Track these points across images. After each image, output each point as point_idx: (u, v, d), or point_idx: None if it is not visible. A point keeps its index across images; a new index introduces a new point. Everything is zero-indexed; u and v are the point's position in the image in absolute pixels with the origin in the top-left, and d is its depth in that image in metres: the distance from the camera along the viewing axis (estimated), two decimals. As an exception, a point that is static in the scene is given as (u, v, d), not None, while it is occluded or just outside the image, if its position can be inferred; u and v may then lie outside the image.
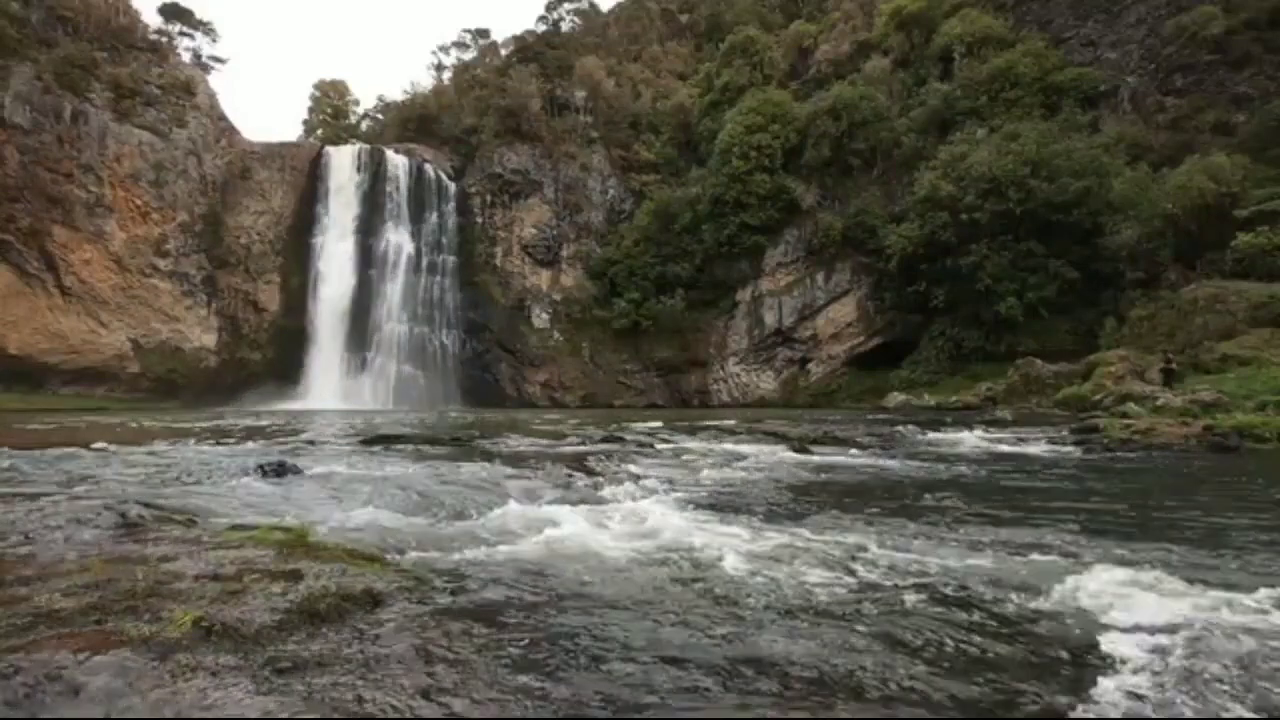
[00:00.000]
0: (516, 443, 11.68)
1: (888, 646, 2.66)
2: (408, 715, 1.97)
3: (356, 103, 78.38)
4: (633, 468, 8.52)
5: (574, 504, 6.05)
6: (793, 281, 45.37)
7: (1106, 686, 2.32)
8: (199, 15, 55.75)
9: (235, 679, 2.08)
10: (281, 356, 47.28)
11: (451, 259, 50.88)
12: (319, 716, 1.92)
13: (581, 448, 10.58)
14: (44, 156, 40.45)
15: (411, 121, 60.01)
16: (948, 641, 2.75)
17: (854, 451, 11.62)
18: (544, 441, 11.89)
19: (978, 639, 2.79)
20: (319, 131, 72.24)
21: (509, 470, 7.47)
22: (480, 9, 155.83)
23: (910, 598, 3.30)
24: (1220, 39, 34.33)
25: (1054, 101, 38.88)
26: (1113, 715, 2.17)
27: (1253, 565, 3.92)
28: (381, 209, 49.57)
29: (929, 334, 38.93)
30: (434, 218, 50.99)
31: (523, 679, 2.29)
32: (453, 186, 52.23)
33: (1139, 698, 2.23)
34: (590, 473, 7.71)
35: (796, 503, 6.42)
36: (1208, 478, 8.47)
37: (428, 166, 51.72)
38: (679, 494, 6.87)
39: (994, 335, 35.38)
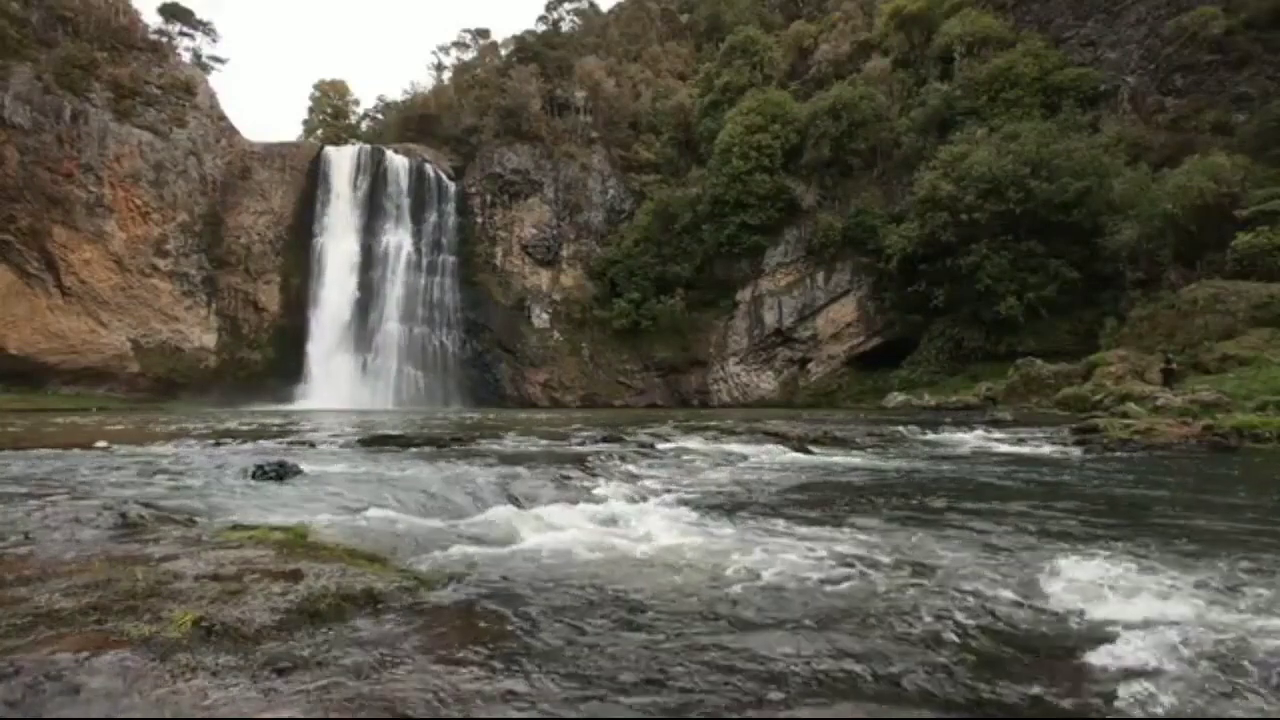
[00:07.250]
0: (516, 443, 11.68)
1: (888, 646, 2.67)
2: (407, 715, 1.97)
3: (357, 103, 78.34)
4: (632, 468, 8.51)
5: (573, 504, 6.06)
6: (793, 281, 45.39)
7: (1108, 685, 2.33)
8: (199, 15, 55.87)
9: (235, 679, 2.08)
10: (281, 357, 47.30)
11: (451, 259, 50.90)
12: (319, 716, 1.92)
13: (581, 448, 10.58)
14: (44, 156, 40.48)
15: (411, 121, 60.03)
16: (949, 640, 2.76)
17: (854, 452, 11.62)
18: (544, 442, 11.89)
19: (979, 638, 2.80)
20: (319, 131, 72.16)
21: (508, 470, 7.47)
22: (480, 9, 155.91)
23: (911, 597, 3.30)
24: (1220, 39, 34.33)
25: (1054, 101, 38.88)
26: (1116, 714, 2.17)
27: (1254, 564, 3.92)
28: (382, 209, 49.60)
29: (929, 334, 38.95)
30: (434, 218, 51.00)
31: (521, 678, 2.29)
32: (453, 186, 52.24)
33: (1141, 696, 2.23)
34: (589, 473, 7.71)
35: (796, 503, 6.42)
36: (1208, 477, 8.47)
37: (428, 166, 51.73)
38: (678, 494, 6.87)
39: (994, 335, 35.40)
